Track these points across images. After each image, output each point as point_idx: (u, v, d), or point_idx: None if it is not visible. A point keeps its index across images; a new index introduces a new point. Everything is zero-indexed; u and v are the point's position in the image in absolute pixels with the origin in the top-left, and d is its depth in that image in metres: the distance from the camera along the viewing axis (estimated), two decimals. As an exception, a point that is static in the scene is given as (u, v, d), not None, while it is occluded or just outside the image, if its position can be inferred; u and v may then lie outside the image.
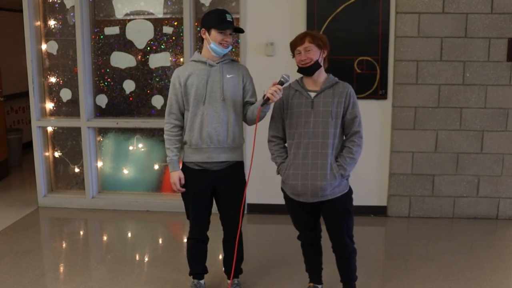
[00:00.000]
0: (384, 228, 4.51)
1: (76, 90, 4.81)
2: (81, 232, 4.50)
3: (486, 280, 3.38)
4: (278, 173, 2.87)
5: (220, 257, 3.60)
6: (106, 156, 4.98)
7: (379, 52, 4.39)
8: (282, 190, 2.91)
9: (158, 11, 4.69)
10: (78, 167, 5.01)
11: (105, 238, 4.36)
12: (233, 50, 4.57)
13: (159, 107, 4.81)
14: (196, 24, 4.60)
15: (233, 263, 2.97)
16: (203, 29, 2.87)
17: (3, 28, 6.75)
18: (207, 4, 4.57)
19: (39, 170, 4.93)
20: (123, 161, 4.97)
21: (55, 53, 4.86)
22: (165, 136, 2.98)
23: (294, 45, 2.75)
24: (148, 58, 4.75)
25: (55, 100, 4.95)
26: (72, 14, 4.72)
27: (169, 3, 4.67)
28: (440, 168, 4.51)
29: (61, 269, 3.66)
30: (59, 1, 4.76)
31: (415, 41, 4.34)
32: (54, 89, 4.93)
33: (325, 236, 2.98)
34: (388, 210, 4.64)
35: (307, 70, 2.73)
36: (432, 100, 4.42)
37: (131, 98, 4.85)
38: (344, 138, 2.80)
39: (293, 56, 2.79)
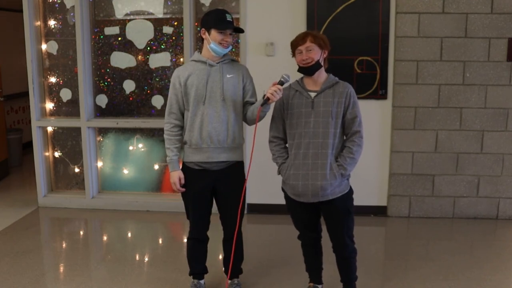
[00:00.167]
0: (384, 228, 4.51)
1: (76, 90, 4.81)
2: (81, 232, 4.50)
3: (486, 280, 3.38)
4: (279, 173, 2.87)
5: (220, 257, 3.60)
6: (106, 156, 4.98)
7: (379, 52, 4.39)
8: (283, 190, 2.91)
9: (158, 11, 4.69)
10: (78, 167, 5.01)
11: (105, 238, 4.36)
12: (233, 50, 4.57)
13: (159, 107, 4.81)
14: (196, 24, 4.60)
15: (230, 263, 2.97)
16: (203, 29, 2.87)
17: (3, 28, 6.76)
18: (207, 4, 4.57)
19: (39, 170, 4.94)
20: (123, 161, 4.97)
21: (55, 53, 4.86)
22: (165, 136, 2.98)
23: (295, 45, 2.75)
24: (148, 58, 4.75)
25: (55, 100, 4.95)
26: (72, 14, 4.72)
27: (169, 3, 4.67)
28: (440, 168, 4.51)
29: (61, 269, 3.66)
30: (59, 1, 4.76)
31: (415, 41, 4.34)
32: (54, 89, 4.93)
33: (325, 236, 2.98)
34: (388, 210, 4.64)
35: (308, 70, 2.73)
36: (432, 100, 4.42)
37: (131, 98, 4.85)
38: (345, 138, 2.81)
39: (293, 55, 2.79)
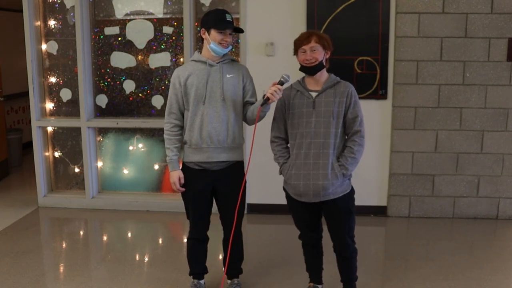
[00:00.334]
0: (384, 228, 4.51)
1: (76, 90, 4.81)
2: (81, 232, 4.50)
3: (486, 280, 3.38)
4: (281, 173, 2.87)
5: (220, 257, 3.61)
6: (106, 156, 4.98)
7: (379, 52, 4.39)
8: (284, 190, 2.91)
9: (158, 11, 4.69)
10: (78, 167, 5.01)
11: (105, 238, 4.36)
12: (233, 50, 4.57)
13: (159, 107, 4.81)
14: (196, 24, 4.60)
15: (226, 261, 2.97)
16: (202, 29, 2.87)
17: (3, 28, 6.76)
18: (207, 4, 4.57)
19: (39, 170, 4.94)
20: (123, 161, 4.97)
21: (55, 53, 4.86)
22: (165, 136, 2.98)
23: (299, 44, 2.74)
24: (148, 58, 4.75)
25: (55, 100, 4.95)
26: (72, 14, 4.72)
27: (169, 3, 4.67)
28: (440, 168, 4.51)
29: (61, 269, 3.66)
30: (59, 1, 4.76)
31: (415, 41, 4.34)
32: (54, 89, 4.93)
33: (326, 236, 2.98)
34: (388, 210, 4.64)
35: (311, 70, 2.73)
36: (432, 100, 4.42)
37: (131, 98, 4.85)
38: (346, 137, 2.81)
39: (295, 54, 2.78)
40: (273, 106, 2.85)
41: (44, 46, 4.86)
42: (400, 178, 4.56)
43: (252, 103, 2.94)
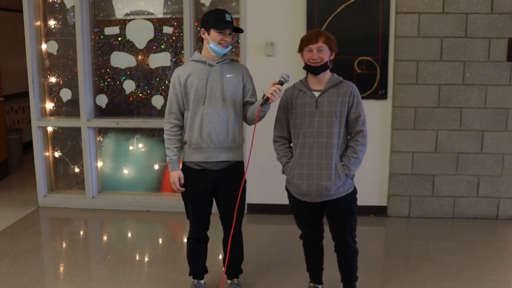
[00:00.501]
0: (384, 228, 4.51)
1: (76, 90, 4.81)
2: (81, 232, 4.50)
3: (486, 280, 3.38)
4: (283, 172, 2.87)
5: (220, 257, 3.61)
6: (106, 156, 4.98)
7: (379, 52, 4.39)
8: (287, 189, 2.91)
9: (158, 11, 4.69)
10: (78, 167, 5.01)
11: (105, 238, 4.36)
12: (233, 50, 4.57)
13: (159, 107, 4.81)
14: (196, 24, 4.60)
15: (226, 261, 2.98)
16: (202, 29, 2.87)
17: (3, 28, 6.76)
18: (207, 4, 4.57)
19: (39, 170, 4.94)
20: (123, 161, 4.97)
21: (55, 53, 4.86)
22: (165, 136, 2.98)
23: (306, 42, 2.74)
24: (148, 58, 4.75)
25: (55, 100, 4.95)
26: (72, 14, 4.72)
27: (169, 3, 4.67)
28: (440, 168, 4.51)
29: (61, 269, 3.66)
30: (59, 1, 4.77)
31: (415, 41, 4.34)
32: (54, 89, 4.93)
33: (326, 236, 2.98)
34: (388, 210, 4.64)
35: (316, 70, 2.73)
36: (432, 100, 4.42)
37: (131, 98, 4.85)
38: (348, 137, 2.81)
39: (299, 51, 2.78)
40: (274, 105, 2.85)
41: (44, 46, 4.86)
42: (400, 178, 4.56)
43: (252, 103, 2.94)
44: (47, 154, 5.01)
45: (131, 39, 4.75)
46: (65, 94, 4.90)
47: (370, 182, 4.58)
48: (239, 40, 4.52)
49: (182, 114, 2.95)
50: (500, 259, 3.73)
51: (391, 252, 3.98)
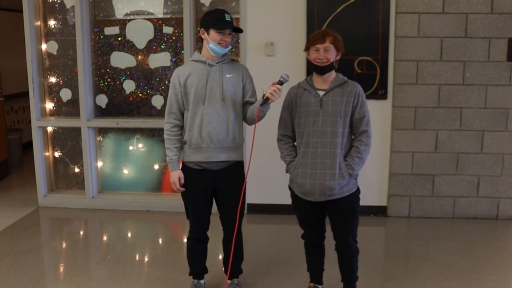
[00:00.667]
0: (384, 228, 4.50)
1: (76, 90, 4.81)
2: (81, 232, 4.50)
3: (486, 280, 3.38)
4: (287, 171, 2.86)
5: (220, 257, 3.60)
6: (106, 156, 4.98)
7: (379, 52, 4.39)
8: (290, 188, 2.91)
9: (158, 11, 4.69)
10: (78, 167, 5.01)
11: (105, 238, 4.36)
12: (233, 50, 4.57)
13: (159, 107, 4.81)
14: (197, 24, 4.60)
15: (230, 262, 2.97)
16: (202, 29, 2.87)
17: (3, 28, 6.76)
18: (207, 4, 4.57)
19: (39, 170, 4.94)
20: (123, 161, 4.97)
21: (55, 53, 4.86)
22: (165, 136, 2.98)
23: (313, 42, 2.74)
24: (148, 58, 4.75)
25: (55, 100, 4.95)
26: (72, 14, 4.72)
27: (169, 3, 4.67)
28: (440, 168, 4.51)
29: (61, 269, 3.66)
30: (59, 1, 4.77)
31: (415, 41, 4.34)
32: (54, 89, 4.93)
33: (327, 236, 2.98)
34: (388, 210, 4.64)
35: (321, 69, 2.73)
36: (432, 100, 4.42)
37: (131, 98, 4.85)
38: (352, 137, 2.80)
39: (305, 50, 2.78)
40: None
41: (44, 46, 4.86)
42: (400, 178, 4.56)
43: (252, 103, 2.94)
44: (47, 154, 5.01)
45: (131, 39, 4.75)
46: (65, 94, 4.90)
47: (370, 182, 4.58)
48: (239, 40, 4.52)
49: (182, 114, 2.95)
50: (500, 259, 3.73)
51: (391, 252, 3.98)
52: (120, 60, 4.79)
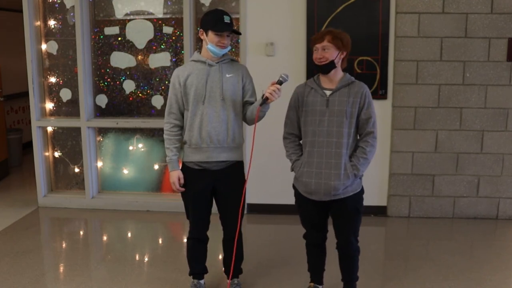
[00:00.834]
0: (384, 228, 4.50)
1: (76, 90, 4.81)
2: (81, 232, 4.50)
3: (486, 280, 3.38)
4: (292, 170, 2.86)
5: (220, 257, 3.60)
6: (106, 156, 4.98)
7: (379, 52, 4.39)
8: (294, 187, 2.91)
9: (158, 11, 4.69)
10: (78, 167, 5.01)
11: (105, 238, 4.36)
12: (233, 50, 4.57)
13: (159, 107, 4.81)
14: (197, 24, 4.60)
15: (232, 263, 2.97)
16: (201, 29, 2.87)
17: (3, 28, 6.76)
18: (207, 4, 4.57)
19: (39, 170, 4.94)
20: (123, 161, 4.97)
21: (55, 53, 4.86)
22: (164, 136, 2.98)
23: (313, 41, 2.75)
24: (148, 58, 4.76)
25: (55, 100, 4.95)
26: (72, 14, 4.72)
27: (169, 3, 4.67)
28: (440, 168, 4.51)
29: (61, 269, 3.66)
30: (59, 1, 4.77)
31: (415, 41, 4.34)
32: (54, 89, 4.93)
33: (328, 236, 2.98)
34: (388, 210, 4.64)
35: (321, 69, 2.73)
36: (432, 100, 4.42)
37: (131, 98, 4.85)
38: (358, 138, 2.80)
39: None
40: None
41: (44, 46, 4.86)
42: (400, 178, 4.56)
43: (252, 103, 2.94)
44: (47, 154, 5.01)
45: (131, 39, 4.75)
46: (65, 94, 4.90)
47: (370, 182, 4.57)
48: (239, 40, 4.52)
49: (182, 114, 2.95)
50: (500, 259, 3.73)
51: (391, 252, 3.98)
52: (120, 60, 4.79)
